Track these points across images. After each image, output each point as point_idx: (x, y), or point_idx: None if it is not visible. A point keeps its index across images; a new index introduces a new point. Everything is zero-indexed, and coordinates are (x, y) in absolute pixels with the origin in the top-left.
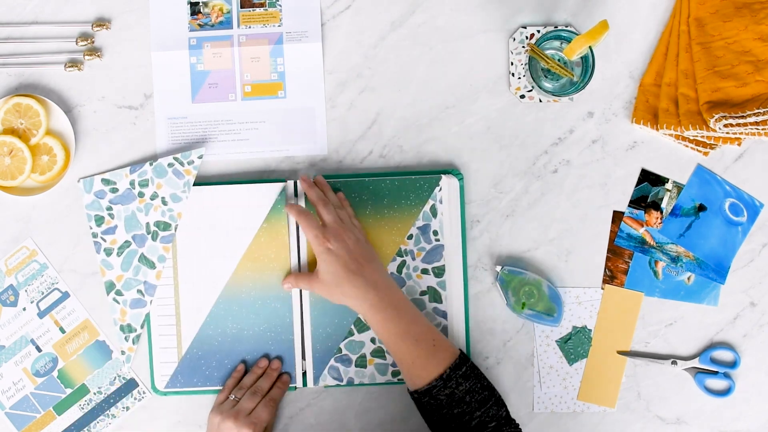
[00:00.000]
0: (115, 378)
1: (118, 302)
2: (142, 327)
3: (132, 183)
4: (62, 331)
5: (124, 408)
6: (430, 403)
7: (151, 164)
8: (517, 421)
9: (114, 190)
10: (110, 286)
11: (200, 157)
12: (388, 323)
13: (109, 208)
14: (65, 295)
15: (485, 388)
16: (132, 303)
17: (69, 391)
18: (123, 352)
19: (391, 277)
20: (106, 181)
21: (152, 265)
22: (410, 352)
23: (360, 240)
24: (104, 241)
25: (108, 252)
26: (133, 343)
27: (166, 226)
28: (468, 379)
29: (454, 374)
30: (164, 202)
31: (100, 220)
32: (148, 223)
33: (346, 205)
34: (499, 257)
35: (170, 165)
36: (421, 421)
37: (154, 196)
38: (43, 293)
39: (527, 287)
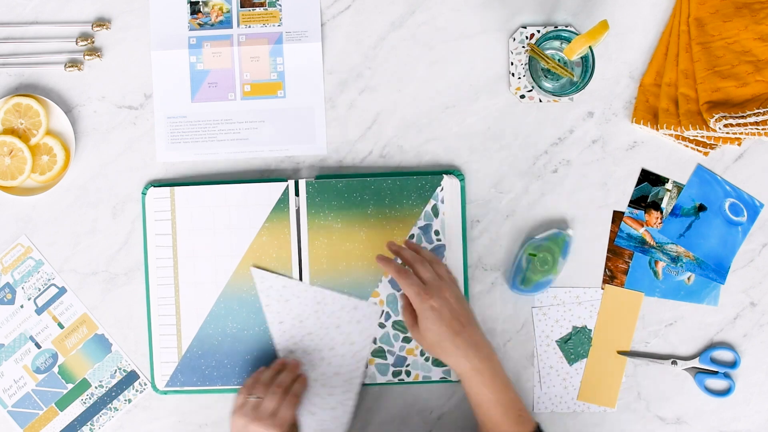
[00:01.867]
0: (115, 371)
1: None
2: None
3: None
4: (61, 326)
5: (126, 400)
6: None
7: None
8: None
9: None
10: None
11: None
12: (483, 388)
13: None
14: (62, 291)
15: None
16: None
17: (70, 386)
18: None
19: (488, 339)
20: None
21: None
22: (497, 421)
23: (460, 298)
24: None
25: None
26: None
27: None
28: None
29: None
30: None
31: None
32: None
33: (439, 262)
34: (499, 257)
35: None
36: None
37: None
38: (39, 290)
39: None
